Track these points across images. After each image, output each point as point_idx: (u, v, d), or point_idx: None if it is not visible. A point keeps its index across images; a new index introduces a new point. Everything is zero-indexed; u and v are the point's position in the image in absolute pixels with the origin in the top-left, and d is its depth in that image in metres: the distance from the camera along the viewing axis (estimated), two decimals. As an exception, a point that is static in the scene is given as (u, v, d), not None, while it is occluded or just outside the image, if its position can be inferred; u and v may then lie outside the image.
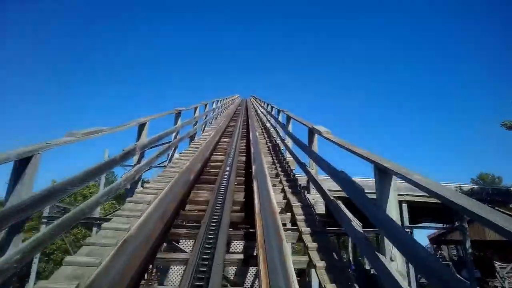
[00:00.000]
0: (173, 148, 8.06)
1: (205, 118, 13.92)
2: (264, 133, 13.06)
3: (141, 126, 5.42)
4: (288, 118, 8.47)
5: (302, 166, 5.85)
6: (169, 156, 8.09)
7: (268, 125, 16.07)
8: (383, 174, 2.70)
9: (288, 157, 8.15)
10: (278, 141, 10.41)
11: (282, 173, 6.48)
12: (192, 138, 10.71)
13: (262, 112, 21.16)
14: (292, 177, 6.28)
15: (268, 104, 17.06)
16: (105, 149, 11.38)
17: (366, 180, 9.86)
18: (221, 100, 20.93)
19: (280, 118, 11.21)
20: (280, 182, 5.94)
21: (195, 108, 11.22)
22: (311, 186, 5.36)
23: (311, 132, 5.44)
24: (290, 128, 8.38)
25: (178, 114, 8.31)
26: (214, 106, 16.97)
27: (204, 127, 13.74)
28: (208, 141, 9.61)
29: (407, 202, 12.43)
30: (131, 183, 5.07)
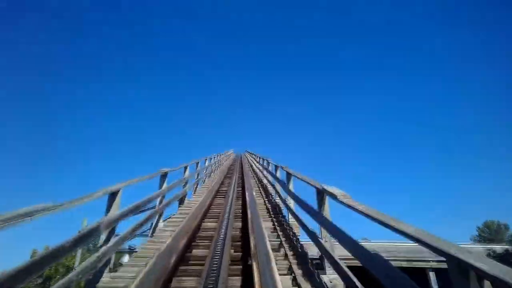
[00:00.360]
0: (157, 216, 6.94)
1: (197, 177, 12.92)
2: (261, 191, 12.00)
3: (112, 196, 4.41)
4: (289, 175, 7.53)
5: (312, 235, 4.76)
6: (153, 225, 6.93)
7: (265, 181, 15.08)
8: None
9: (291, 220, 7.04)
10: (278, 200, 9.35)
11: (287, 244, 5.36)
12: (181, 201, 9.61)
13: (258, 168, 20.27)
14: (299, 249, 5.15)
15: (264, 159, 16.22)
16: (84, 218, 10.10)
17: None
18: (214, 157, 20.11)
19: (278, 175, 10.27)
20: (286, 256, 4.81)
21: (185, 168, 10.28)
22: (326, 263, 4.21)
23: (321, 194, 4.46)
24: (291, 186, 7.40)
25: (163, 176, 7.33)
26: (206, 164, 16.07)
27: (196, 187, 12.68)
28: (199, 204, 8.53)
29: (433, 269, 10.70)
30: (94, 272, 3.91)
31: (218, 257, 4.43)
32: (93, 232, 3.70)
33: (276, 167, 10.43)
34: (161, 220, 7.08)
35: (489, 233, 49.43)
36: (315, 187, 4.60)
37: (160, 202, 7.12)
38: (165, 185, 7.30)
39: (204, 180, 15.35)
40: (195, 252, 5.10)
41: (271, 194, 10.94)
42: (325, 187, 4.27)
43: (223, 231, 5.87)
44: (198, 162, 13.36)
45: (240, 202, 9.60)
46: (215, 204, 9.45)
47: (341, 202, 3.63)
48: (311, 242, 5.74)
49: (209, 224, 6.90)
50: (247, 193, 9.27)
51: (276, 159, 13.45)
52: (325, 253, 4.10)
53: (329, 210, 4.45)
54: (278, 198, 9.45)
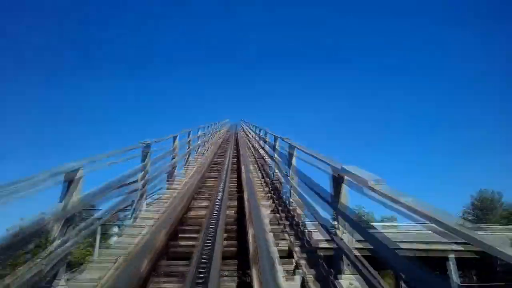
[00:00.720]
0: (137, 198, 6.01)
1: (189, 148, 11.94)
2: (257, 162, 11.10)
3: (68, 179, 3.38)
4: (292, 148, 6.55)
5: (326, 229, 3.83)
6: (134, 207, 6.00)
7: (261, 152, 14.18)
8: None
9: (294, 200, 6.17)
10: (278, 174, 8.46)
11: (293, 237, 4.47)
12: (170, 176, 8.68)
13: (254, 138, 19.32)
14: (307, 244, 4.26)
15: (261, 130, 15.21)
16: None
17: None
18: (208, 126, 19.05)
19: (277, 146, 9.31)
20: (290, 253, 3.94)
21: (174, 138, 9.25)
22: (344, 264, 3.31)
23: (337, 178, 3.48)
24: (294, 161, 6.45)
25: (146, 148, 6.31)
26: (199, 133, 15.03)
27: (188, 159, 11.72)
28: (189, 179, 7.61)
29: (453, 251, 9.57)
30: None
31: (207, 253, 3.54)
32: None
33: (275, 138, 9.45)
34: (144, 201, 6.16)
35: (482, 202, 49.97)
36: (331, 165, 3.62)
37: (143, 179, 6.17)
38: (148, 159, 6.31)
39: (197, 151, 14.40)
40: (181, 241, 4.21)
41: (269, 166, 10.05)
42: (344, 166, 3.31)
43: (215, 213, 4.98)
44: (190, 132, 12.33)
45: (236, 175, 8.71)
46: (207, 178, 8.54)
47: (373, 190, 2.67)
48: (316, 222, 4.92)
49: (199, 205, 6.01)
50: (243, 170, 8.34)
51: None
52: (345, 253, 3.18)
53: (348, 197, 3.52)
54: (278, 172, 8.56)
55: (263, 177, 8.50)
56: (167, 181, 8.43)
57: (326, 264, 3.58)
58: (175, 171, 9.01)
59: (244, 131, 27.21)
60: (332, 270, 3.35)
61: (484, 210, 49.77)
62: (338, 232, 3.39)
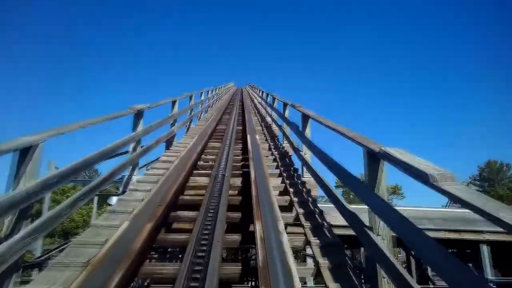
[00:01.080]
0: (130, 168, 5.25)
1: (190, 114, 11.07)
2: (265, 131, 10.24)
3: (22, 156, 2.59)
4: (305, 118, 5.66)
5: (351, 217, 3.03)
6: (124, 181, 5.27)
7: (268, 119, 13.29)
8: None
9: (306, 177, 5.38)
10: (286, 145, 7.63)
11: (308, 222, 3.72)
12: (168, 144, 7.91)
13: (260, 103, 18.31)
14: (328, 235, 3.51)
15: (268, 95, 14.18)
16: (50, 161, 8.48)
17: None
18: (211, 90, 18.00)
19: (287, 115, 8.40)
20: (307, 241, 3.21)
21: (173, 102, 8.36)
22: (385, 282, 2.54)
23: (373, 156, 2.65)
24: (307, 132, 5.59)
25: (138, 115, 5.46)
26: (202, 97, 14.07)
27: (189, 126, 10.90)
28: (189, 149, 6.82)
29: (488, 242, 9.02)
30: None
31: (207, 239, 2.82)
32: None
33: (285, 105, 8.50)
34: (135, 173, 5.42)
35: (489, 173, 49.30)
36: (365, 147, 2.77)
37: (134, 149, 5.40)
38: (140, 127, 5.48)
39: (199, 117, 13.54)
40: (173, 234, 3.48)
41: (277, 137, 9.21)
42: (384, 148, 2.46)
43: (216, 192, 4.23)
44: (192, 96, 11.39)
45: (240, 147, 7.92)
46: (209, 148, 7.76)
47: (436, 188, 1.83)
48: (330, 205, 4.19)
49: (198, 180, 5.26)
50: (249, 143, 7.51)
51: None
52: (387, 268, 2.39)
53: (385, 184, 2.70)
54: (287, 143, 7.72)
55: (270, 149, 7.69)
56: (166, 149, 7.70)
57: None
58: (175, 140, 8.24)
59: (250, 96, 26.12)
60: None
61: (491, 181, 49.20)
62: (374, 237, 2.60)
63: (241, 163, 6.18)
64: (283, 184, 5.08)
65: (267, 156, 6.82)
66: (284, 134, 8.13)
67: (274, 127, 11.11)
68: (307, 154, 5.47)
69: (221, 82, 29.69)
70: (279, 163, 6.15)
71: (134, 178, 5.29)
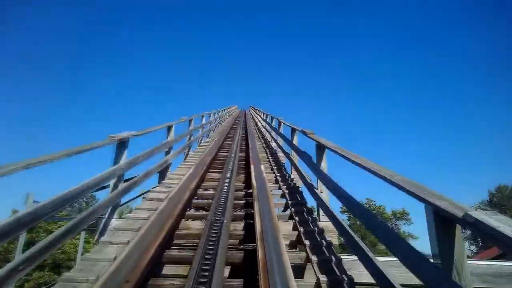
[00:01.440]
0: (107, 212, 4.30)
1: (189, 139, 10.22)
2: (271, 160, 9.31)
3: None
4: (321, 148, 4.73)
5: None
6: (100, 227, 4.30)
7: (273, 145, 12.39)
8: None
9: (324, 222, 4.39)
10: (295, 179, 6.66)
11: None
12: (163, 174, 6.99)
13: (264, 127, 17.50)
14: None
15: (273, 118, 13.36)
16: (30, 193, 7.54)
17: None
18: (213, 114, 17.26)
19: (295, 142, 7.49)
20: None
21: (169, 128, 7.50)
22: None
23: (447, 221, 1.71)
24: (324, 166, 4.64)
25: (121, 145, 4.57)
26: (203, 121, 13.27)
27: (187, 152, 10.01)
28: (184, 181, 5.87)
29: None
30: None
31: None
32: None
33: (293, 131, 7.62)
34: (115, 216, 4.45)
35: (501, 198, 47.52)
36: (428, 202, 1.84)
37: (116, 186, 4.47)
38: (123, 160, 4.58)
39: (200, 142, 12.69)
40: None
41: (283, 166, 8.26)
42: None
43: (210, 253, 3.25)
44: (191, 120, 10.58)
45: (243, 178, 6.97)
46: (207, 180, 6.83)
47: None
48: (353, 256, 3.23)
49: (191, 225, 4.30)
50: (252, 167, 6.59)
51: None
52: None
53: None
54: (296, 173, 6.77)
55: (277, 181, 6.72)
56: (159, 182, 6.79)
57: None
58: (169, 170, 7.33)
59: (253, 119, 25.42)
60: None
61: (502, 207, 47.35)
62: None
63: (243, 200, 5.23)
64: (296, 232, 4.09)
65: (274, 190, 5.88)
66: (292, 163, 7.19)
67: (280, 154, 10.19)
68: (324, 193, 4.52)
69: (224, 105, 29.13)
70: (289, 201, 5.17)
71: (114, 222, 4.34)
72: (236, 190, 5.82)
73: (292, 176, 6.96)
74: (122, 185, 4.54)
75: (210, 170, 7.62)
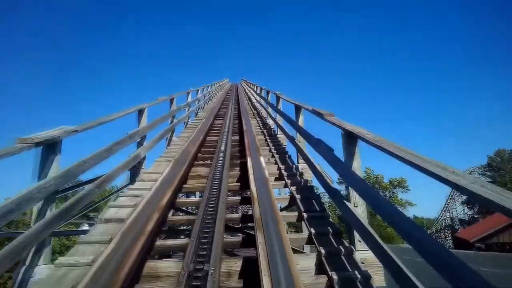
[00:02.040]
0: (29, 255, 2.79)
1: (172, 121, 8.60)
2: (270, 145, 7.77)
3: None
4: (351, 138, 3.19)
5: None
6: (18, 279, 2.81)
7: (270, 122, 10.84)
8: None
9: (363, 253, 2.92)
10: (305, 173, 5.15)
11: None
12: (135, 172, 5.46)
13: (258, 102, 15.83)
14: None
15: (269, 92, 11.69)
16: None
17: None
18: (202, 89, 15.48)
19: (301, 122, 5.93)
20: None
21: (140, 112, 5.85)
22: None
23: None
24: (357, 166, 3.13)
25: (49, 148, 2.99)
26: (189, 99, 11.55)
27: (170, 139, 8.43)
28: (161, 184, 4.34)
29: None
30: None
31: None
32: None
33: (298, 109, 6.02)
34: (40, 264, 2.94)
35: (500, 162, 47.00)
36: None
37: (41, 216, 2.92)
38: (53, 170, 3.01)
39: (186, 123, 11.05)
40: None
41: (287, 153, 6.72)
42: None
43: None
44: (173, 99, 8.90)
45: (238, 173, 5.46)
46: (192, 178, 5.32)
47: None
48: None
49: (161, 267, 2.81)
50: (249, 161, 5.07)
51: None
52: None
53: None
54: (305, 164, 5.28)
55: (281, 177, 5.23)
56: (128, 187, 5.27)
57: None
58: (144, 165, 5.78)
59: (246, 93, 23.65)
60: None
61: (501, 171, 46.90)
62: None
63: (240, 224, 3.74)
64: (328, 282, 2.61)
65: (279, 198, 4.41)
66: (300, 151, 5.67)
67: (280, 135, 8.67)
68: (360, 208, 3.03)
69: (215, 79, 27.16)
70: (304, 213, 3.66)
71: (39, 272, 2.82)
72: (230, 190, 4.33)
73: (301, 168, 5.45)
74: (52, 212, 2.98)
75: (196, 162, 6.08)
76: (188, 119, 11.33)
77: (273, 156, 6.51)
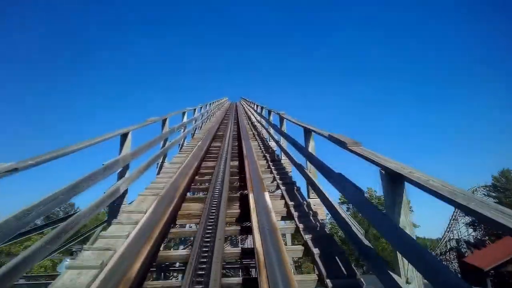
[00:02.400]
0: None
1: (164, 145, 7.72)
2: (274, 171, 6.88)
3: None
4: (396, 180, 2.31)
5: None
6: None
7: (272, 144, 10.00)
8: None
9: None
10: (317, 212, 4.24)
11: None
12: (113, 211, 4.53)
13: (259, 121, 15.05)
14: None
15: (271, 112, 10.88)
16: None
17: None
18: (200, 108, 14.70)
19: (311, 149, 5.06)
20: None
21: (123, 137, 4.98)
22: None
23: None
24: (405, 219, 2.25)
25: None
26: (185, 119, 10.70)
27: (161, 165, 7.53)
28: (143, 227, 3.42)
29: None
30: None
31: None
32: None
33: (307, 133, 5.17)
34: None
35: (505, 182, 45.78)
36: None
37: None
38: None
39: (181, 145, 10.18)
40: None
41: (294, 184, 5.82)
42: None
43: None
44: (166, 119, 8.04)
45: (237, 211, 4.55)
46: (182, 216, 4.40)
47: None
48: None
49: None
50: (251, 198, 4.17)
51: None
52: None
53: None
54: (315, 198, 4.38)
55: (291, 215, 4.31)
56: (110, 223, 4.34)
57: None
58: (125, 201, 4.86)
59: (246, 112, 22.95)
60: None
61: (506, 191, 45.68)
62: None
63: (240, 280, 2.80)
64: None
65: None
66: (312, 184, 4.76)
67: (284, 160, 7.79)
68: (414, 285, 2.11)
69: (214, 98, 26.53)
70: (328, 279, 2.72)
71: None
72: (229, 235, 3.40)
73: (313, 204, 4.53)
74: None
75: (186, 200, 5.14)
76: (184, 140, 10.47)
77: (278, 187, 5.61)
